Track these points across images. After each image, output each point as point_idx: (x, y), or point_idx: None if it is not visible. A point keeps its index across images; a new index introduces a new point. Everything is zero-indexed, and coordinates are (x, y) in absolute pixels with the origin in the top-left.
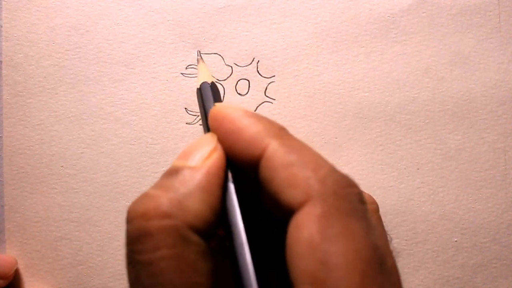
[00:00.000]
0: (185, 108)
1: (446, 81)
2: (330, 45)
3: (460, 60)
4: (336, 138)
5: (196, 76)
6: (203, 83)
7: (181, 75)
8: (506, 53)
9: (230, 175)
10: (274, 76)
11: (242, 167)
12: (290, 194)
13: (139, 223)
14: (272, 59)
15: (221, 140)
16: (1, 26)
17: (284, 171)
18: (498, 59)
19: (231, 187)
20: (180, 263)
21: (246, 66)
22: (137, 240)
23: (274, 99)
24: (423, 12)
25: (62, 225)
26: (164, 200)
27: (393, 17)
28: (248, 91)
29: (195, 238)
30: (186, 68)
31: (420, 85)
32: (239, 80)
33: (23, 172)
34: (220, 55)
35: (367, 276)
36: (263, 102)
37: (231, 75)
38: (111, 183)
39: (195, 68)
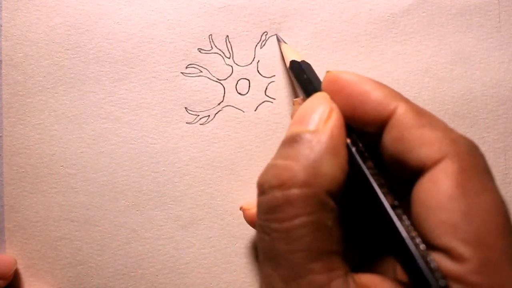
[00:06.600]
0: (185, 108)
1: (446, 80)
2: (330, 45)
3: (460, 59)
4: None
5: (196, 75)
6: (292, 60)
7: (181, 74)
8: (506, 52)
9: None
10: (274, 76)
11: (358, 129)
12: (422, 152)
13: (278, 193)
14: (272, 59)
15: (338, 101)
16: (1, 26)
17: (416, 130)
18: (499, 59)
19: (357, 145)
20: (318, 230)
21: (247, 65)
22: (276, 210)
23: (274, 99)
24: (423, 12)
25: (62, 224)
26: (298, 168)
27: (393, 17)
28: (248, 91)
29: (331, 203)
30: (186, 68)
31: (420, 84)
32: (239, 80)
33: (23, 171)
34: (220, 54)
35: (504, 227)
36: (263, 102)
37: (232, 75)
38: (111, 183)
39: (195, 67)
